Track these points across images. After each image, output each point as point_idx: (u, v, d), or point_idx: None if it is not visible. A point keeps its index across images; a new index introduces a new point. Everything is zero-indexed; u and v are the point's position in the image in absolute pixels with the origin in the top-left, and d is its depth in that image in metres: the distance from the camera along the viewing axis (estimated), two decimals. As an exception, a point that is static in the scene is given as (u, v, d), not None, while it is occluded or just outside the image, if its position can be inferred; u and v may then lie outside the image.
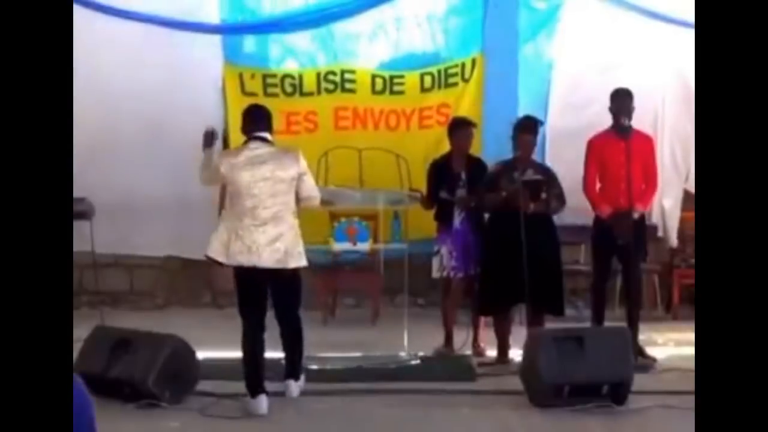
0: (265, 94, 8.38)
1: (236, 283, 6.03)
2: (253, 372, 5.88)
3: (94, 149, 7.57)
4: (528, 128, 7.18)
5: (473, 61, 8.51)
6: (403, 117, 8.62)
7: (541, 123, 7.46)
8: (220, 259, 5.93)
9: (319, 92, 8.50)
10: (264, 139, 6.05)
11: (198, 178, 6.23)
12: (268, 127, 6.14)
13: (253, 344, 5.92)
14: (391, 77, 8.54)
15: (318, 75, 8.50)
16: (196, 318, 8.95)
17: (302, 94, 8.48)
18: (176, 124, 8.00)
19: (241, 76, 8.41)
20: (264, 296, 6.01)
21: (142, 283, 9.89)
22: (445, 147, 7.72)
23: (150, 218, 8.10)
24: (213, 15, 8.18)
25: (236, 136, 8.21)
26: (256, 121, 6.12)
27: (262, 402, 5.82)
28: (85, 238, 7.32)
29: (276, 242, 5.86)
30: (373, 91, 8.55)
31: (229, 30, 8.35)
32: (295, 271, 6.02)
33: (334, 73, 8.48)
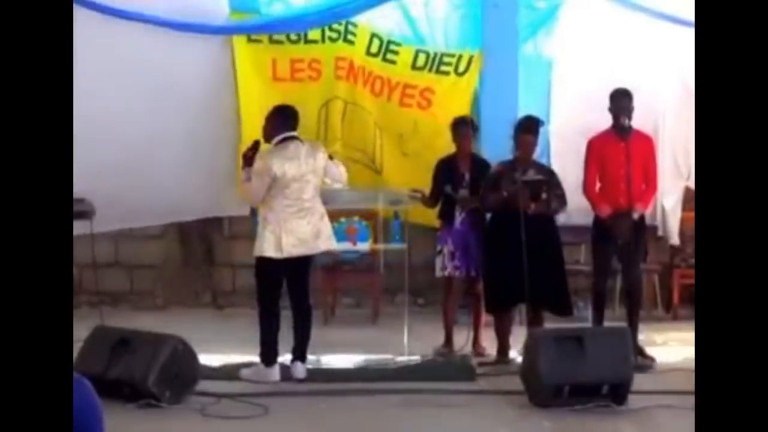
0: (271, 41, 8.41)
1: (262, 273, 6.64)
2: (270, 345, 6.54)
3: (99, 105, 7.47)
4: (529, 128, 7.16)
5: (470, 58, 8.49)
6: (387, 87, 8.60)
7: (542, 123, 7.45)
8: (275, 255, 6.50)
9: (323, 40, 8.48)
10: (296, 137, 6.66)
11: (239, 195, 7.19)
12: (296, 126, 6.72)
13: (270, 321, 6.58)
14: (389, 42, 8.51)
15: None
16: (196, 318, 8.95)
17: (306, 41, 8.48)
18: (184, 72, 7.95)
19: None
20: (282, 283, 6.67)
21: (142, 283, 9.88)
22: (423, 132, 7.66)
23: (157, 180, 8.01)
24: (220, 13, 8.16)
25: (244, 83, 8.30)
26: (286, 120, 6.70)
27: (276, 371, 6.54)
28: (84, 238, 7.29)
29: (318, 227, 6.61)
30: (368, 52, 8.53)
31: (231, 29, 8.33)
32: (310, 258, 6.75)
33: (339, 22, 8.49)
